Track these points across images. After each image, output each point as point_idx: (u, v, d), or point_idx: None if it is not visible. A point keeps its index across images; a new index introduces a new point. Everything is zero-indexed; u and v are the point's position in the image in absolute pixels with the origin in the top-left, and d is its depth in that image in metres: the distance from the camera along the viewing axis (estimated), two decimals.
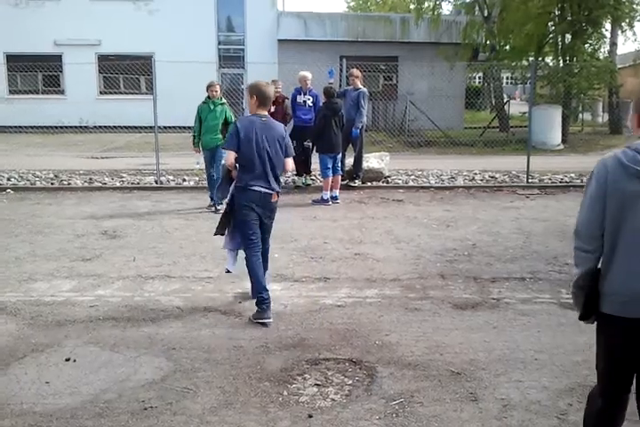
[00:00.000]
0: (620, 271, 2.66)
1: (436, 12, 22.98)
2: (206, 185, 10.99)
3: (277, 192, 5.28)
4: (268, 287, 5.21)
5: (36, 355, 4.41)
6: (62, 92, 23.28)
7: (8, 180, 11.69)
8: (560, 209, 9.59)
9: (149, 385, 3.97)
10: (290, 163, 5.48)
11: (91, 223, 8.50)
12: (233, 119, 9.10)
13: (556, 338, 4.69)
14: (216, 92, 9.21)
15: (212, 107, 9.17)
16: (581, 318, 2.84)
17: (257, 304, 5.10)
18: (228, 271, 5.55)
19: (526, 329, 4.86)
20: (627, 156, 2.61)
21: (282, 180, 5.75)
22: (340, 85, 12.05)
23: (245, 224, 5.20)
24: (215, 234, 5.43)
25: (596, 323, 2.82)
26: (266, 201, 5.21)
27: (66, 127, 20.03)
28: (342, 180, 10.53)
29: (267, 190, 5.18)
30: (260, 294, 5.09)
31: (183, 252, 7.10)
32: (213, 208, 9.09)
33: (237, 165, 5.18)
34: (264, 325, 4.96)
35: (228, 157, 5.19)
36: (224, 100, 9.45)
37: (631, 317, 2.64)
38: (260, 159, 5.13)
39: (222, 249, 5.58)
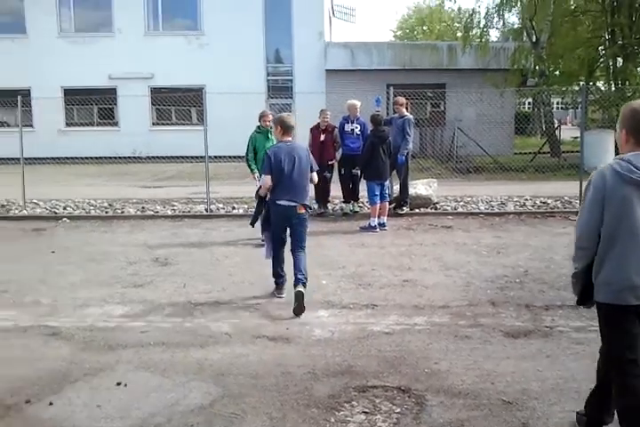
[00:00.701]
0: (615, 263, 3.11)
1: (483, 39, 22.97)
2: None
3: (304, 205, 6.18)
4: (283, 275, 6.44)
5: (88, 379, 4.49)
6: (116, 124, 24.05)
7: (64, 209, 12.07)
8: None
9: (198, 410, 3.99)
10: (315, 176, 6.46)
11: (143, 251, 8.67)
12: None
13: (581, 365, 4.52)
14: (269, 122, 8.84)
15: (269, 136, 8.89)
16: (578, 303, 3.39)
17: (275, 283, 6.47)
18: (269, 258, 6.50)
19: (580, 358, 4.71)
20: (621, 166, 3.09)
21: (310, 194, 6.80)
22: (388, 113, 12.11)
23: (274, 234, 6.35)
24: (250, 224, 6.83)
25: (598, 314, 3.27)
26: (292, 213, 6.12)
27: (119, 158, 20.63)
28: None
29: (291, 203, 6.10)
30: (275, 278, 6.45)
31: (232, 279, 7.17)
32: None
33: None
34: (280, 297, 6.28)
35: (266, 182, 6.14)
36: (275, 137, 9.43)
37: (629, 304, 3.09)
38: (289, 178, 6.08)
39: (265, 258, 6.57)
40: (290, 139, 6.28)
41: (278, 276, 6.43)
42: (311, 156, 6.38)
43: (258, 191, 6.48)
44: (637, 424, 3.13)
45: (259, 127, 9.15)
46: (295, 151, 6.16)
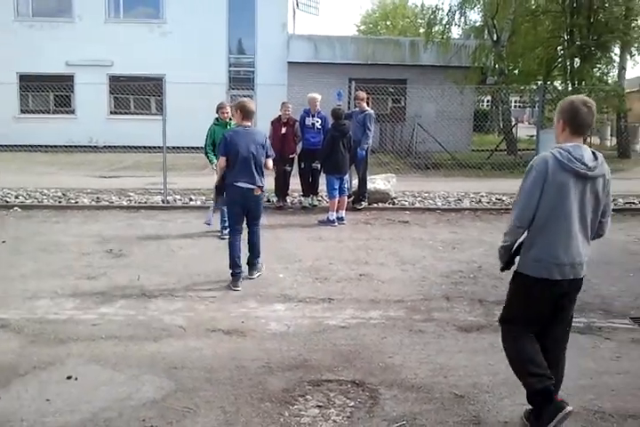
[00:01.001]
0: (545, 241, 3.47)
1: (445, 37, 23.17)
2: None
3: (260, 186, 6.49)
4: (240, 266, 6.56)
5: (37, 372, 4.40)
6: (73, 112, 23.54)
7: (16, 197, 11.77)
8: None
9: (150, 404, 3.94)
10: (270, 162, 6.73)
11: (96, 242, 8.52)
12: None
13: None
14: (227, 113, 8.83)
15: (228, 128, 8.54)
16: (502, 269, 3.78)
17: (231, 275, 6.51)
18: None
19: None
20: (562, 155, 3.41)
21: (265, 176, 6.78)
22: (349, 107, 12.13)
23: (231, 216, 6.67)
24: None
25: (515, 282, 3.69)
26: (249, 193, 6.44)
27: (75, 146, 20.23)
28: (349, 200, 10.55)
29: (249, 185, 6.42)
30: (232, 270, 6.50)
31: (187, 271, 7.10)
32: (225, 233, 8.55)
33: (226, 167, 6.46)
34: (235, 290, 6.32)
35: (220, 162, 6.52)
36: (235, 122, 9.15)
37: (552, 278, 3.46)
38: (244, 161, 6.38)
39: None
40: (249, 124, 6.59)
41: (235, 266, 6.53)
42: (268, 142, 6.73)
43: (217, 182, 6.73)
44: (519, 373, 3.65)
45: (217, 119, 9.00)
46: (252, 136, 6.49)
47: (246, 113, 6.52)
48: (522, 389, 4.11)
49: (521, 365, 3.60)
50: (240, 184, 6.41)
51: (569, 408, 3.39)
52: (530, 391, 3.53)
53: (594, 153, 3.49)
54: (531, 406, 3.61)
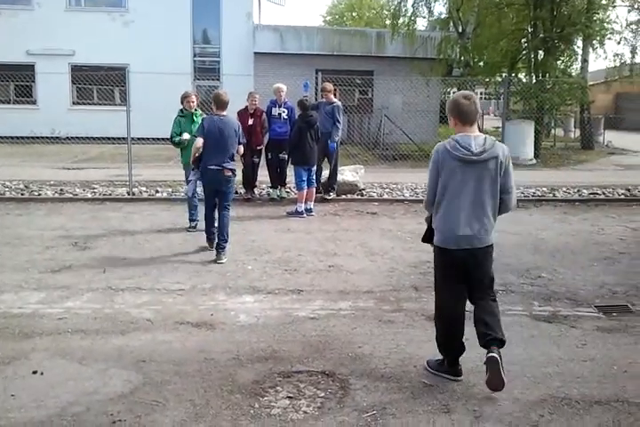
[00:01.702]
0: (442, 217, 4.06)
1: (410, 28, 23.22)
2: (179, 197, 10.90)
3: (230, 169, 7.17)
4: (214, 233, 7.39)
5: (2, 368, 4.31)
6: (34, 102, 23.00)
7: None
8: (532, 222, 9.69)
9: (118, 398, 3.89)
10: (241, 148, 7.64)
11: (61, 235, 8.37)
12: None
13: (528, 350, 4.71)
14: (192, 102, 8.59)
15: (194, 119, 8.51)
16: (422, 240, 4.36)
17: (207, 239, 7.57)
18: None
19: None
20: (450, 144, 3.98)
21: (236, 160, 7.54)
22: (316, 99, 12.08)
23: (206, 196, 7.41)
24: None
25: (434, 251, 4.24)
26: (220, 175, 7.14)
27: (37, 138, 19.79)
28: (317, 192, 10.53)
29: (218, 167, 7.11)
30: (207, 235, 7.52)
31: (154, 264, 7.02)
32: (194, 226, 8.59)
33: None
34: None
35: (198, 142, 7.20)
36: (201, 112, 8.87)
37: (448, 248, 4.06)
38: (216, 146, 7.10)
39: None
40: (224, 113, 7.30)
41: (210, 233, 7.48)
42: (240, 129, 7.43)
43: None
44: (439, 325, 4.34)
45: (182, 111, 8.68)
46: (225, 124, 7.20)
47: (220, 103, 7.25)
48: None
49: (441, 336, 4.33)
50: (212, 167, 7.15)
51: (460, 378, 4.20)
52: (442, 354, 4.30)
53: (485, 139, 3.97)
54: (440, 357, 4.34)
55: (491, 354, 3.97)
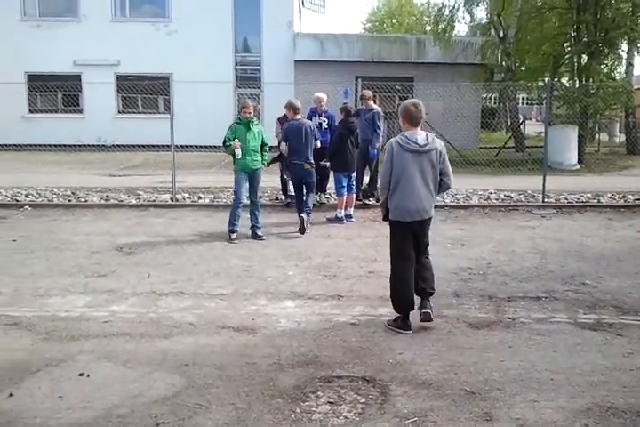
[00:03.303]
0: (399, 197, 5.15)
1: (450, 34, 23.09)
2: (221, 203, 11.01)
3: (310, 163, 9.09)
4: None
5: (50, 369, 4.42)
6: (81, 111, 23.60)
7: (26, 196, 11.83)
8: (576, 229, 9.53)
9: (162, 401, 3.96)
10: (318, 143, 9.37)
11: (106, 240, 8.55)
12: (268, 141, 8.86)
13: (573, 358, 4.63)
14: (250, 112, 8.55)
15: (250, 127, 8.56)
16: (384, 219, 5.40)
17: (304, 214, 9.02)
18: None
19: (542, 349, 4.80)
20: (401, 139, 5.14)
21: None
22: (355, 105, 12.11)
23: (294, 185, 9.44)
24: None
25: (389, 226, 5.33)
26: (303, 168, 9.07)
27: (84, 146, 20.28)
28: (357, 198, 10.54)
29: (301, 162, 9.02)
30: (299, 213, 9.01)
31: (197, 269, 7.12)
32: (234, 238, 8.56)
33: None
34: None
35: (282, 147, 9.27)
36: (257, 121, 8.86)
37: (405, 220, 5.17)
38: (298, 145, 8.99)
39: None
40: (299, 117, 9.21)
41: (301, 211, 9.07)
42: (315, 129, 9.36)
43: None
44: (394, 297, 5.29)
45: (239, 118, 8.73)
46: (303, 125, 9.05)
47: (295, 109, 9.16)
48: (532, 385, 4.17)
49: (393, 291, 5.31)
50: (296, 162, 9.04)
51: (409, 332, 5.14)
52: (398, 310, 5.26)
53: (427, 136, 5.18)
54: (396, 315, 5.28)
55: (425, 310, 5.19)
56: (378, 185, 5.63)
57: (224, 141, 8.63)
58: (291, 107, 9.16)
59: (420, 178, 5.12)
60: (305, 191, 9.25)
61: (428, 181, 5.17)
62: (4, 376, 4.29)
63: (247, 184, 8.70)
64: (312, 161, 9.14)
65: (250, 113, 8.57)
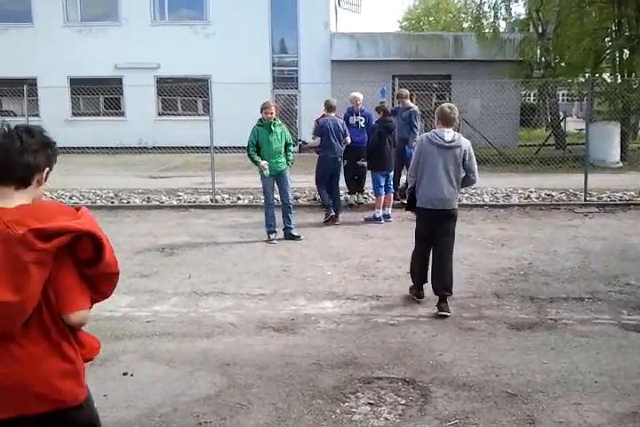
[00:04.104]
0: (423, 186, 5.73)
1: (490, 30, 22.79)
2: (259, 204, 11.08)
3: (340, 156, 9.92)
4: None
5: (94, 369, 4.51)
6: (122, 114, 24.02)
7: (70, 198, 12.10)
8: (620, 227, 9.34)
9: (204, 400, 4.02)
10: (348, 139, 10.09)
11: (148, 241, 8.70)
12: (292, 141, 8.83)
13: (617, 360, 4.55)
14: (271, 113, 8.42)
15: (272, 128, 8.46)
16: (407, 209, 6.19)
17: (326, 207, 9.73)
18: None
19: (585, 351, 4.73)
20: (430, 135, 5.73)
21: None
22: (392, 104, 12.08)
23: (323, 178, 9.94)
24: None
25: (416, 213, 5.98)
26: (336, 161, 9.90)
27: (125, 148, 20.64)
28: (395, 198, 10.50)
29: (336, 156, 9.81)
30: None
31: (237, 269, 7.19)
32: (272, 238, 8.59)
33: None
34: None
35: (316, 141, 10.00)
36: (280, 122, 8.75)
37: (427, 207, 5.76)
38: (331, 139, 9.73)
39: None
40: (333, 114, 10.00)
41: (329, 205, 9.72)
42: (345, 125, 10.04)
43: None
44: (413, 273, 6.05)
45: (261, 120, 8.53)
46: (335, 122, 9.86)
47: (330, 107, 9.98)
48: (575, 387, 4.13)
49: (413, 268, 6.06)
50: (331, 155, 9.77)
51: (422, 299, 5.94)
52: (413, 281, 6.07)
53: (454, 134, 5.72)
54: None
55: (441, 312, 5.56)
56: (407, 174, 6.21)
57: (248, 147, 8.54)
58: (327, 105, 10.00)
59: (442, 170, 5.65)
60: (332, 185, 9.88)
61: (451, 175, 5.68)
62: None
63: (275, 185, 8.70)
64: (341, 154, 10.01)
65: (272, 114, 8.44)
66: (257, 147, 8.49)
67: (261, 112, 8.55)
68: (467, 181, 5.89)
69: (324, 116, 10.89)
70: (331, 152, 9.71)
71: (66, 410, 2.24)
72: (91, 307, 2.27)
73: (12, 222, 2.07)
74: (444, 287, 5.69)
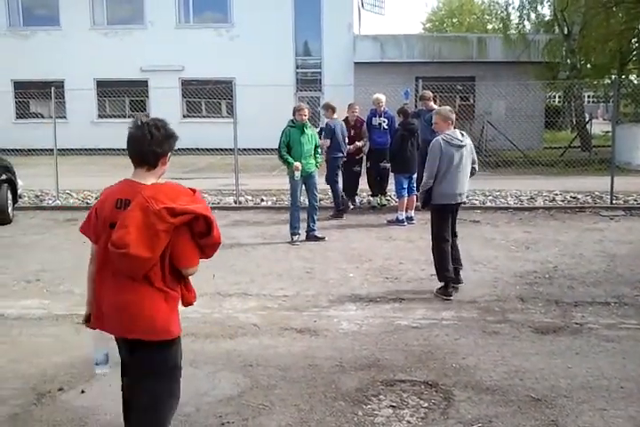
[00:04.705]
0: (446, 184, 6.12)
1: (515, 32, 22.66)
2: (283, 205, 11.11)
3: (345, 156, 10.39)
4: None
5: (119, 368, 4.55)
6: (148, 116, 24.19)
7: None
8: None
9: (227, 400, 4.04)
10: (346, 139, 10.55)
11: None
12: (319, 143, 8.95)
13: None
14: (305, 115, 8.49)
15: (305, 130, 8.54)
16: (422, 206, 6.58)
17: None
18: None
19: (611, 356, 4.67)
20: (446, 137, 6.12)
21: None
22: (416, 106, 12.05)
23: (331, 173, 10.29)
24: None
25: (433, 210, 6.36)
26: (342, 160, 10.34)
27: None
28: (418, 200, 10.46)
29: (343, 155, 10.33)
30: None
31: (260, 270, 7.22)
32: (296, 240, 8.65)
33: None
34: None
35: (326, 142, 10.00)
36: (310, 124, 8.81)
37: (449, 203, 6.22)
38: (340, 140, 10.22)
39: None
40: (336, 116, 10.30)
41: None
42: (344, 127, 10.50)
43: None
44: (439, 268, 6.27)
45: (292, 121, 8.61)
46: (339, 124, 10.36)
47: (333, 109, 10.24)
48: (601, 393, 4.07)
49: (440, 264, 6.25)
50: (340, 155, 10.24)
51: (450, 298, 6.11)
52: (443, 280, 6.22)
53: (462, 133, 6.21)
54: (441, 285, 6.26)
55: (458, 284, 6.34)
56: (425, 176, 6.25)
57: (279, 147, 8.61)
58: (329, 107, 10.25)
59: (463, 167, 6.18)
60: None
61: (467, 170, 6.27)
62: (76, 374, 4.46)
63: (303, 187, 8.74)
64: (344, 154, 10.55)
65: (305, 116, 8.52)
66: (288, 148, 8.54)
67: (294, 114, 8.63)
68: (473, 172, 6.41)
69: (346, 119, 10.92)
70: (337, 152, 10.22)
71: (160, 342, 3.00)
72: (198, 263, 3.05)
73: (151, 198, 2.84)
74: (459, 262, 6.45)
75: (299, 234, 8.68)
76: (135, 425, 3.12)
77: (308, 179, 8.66)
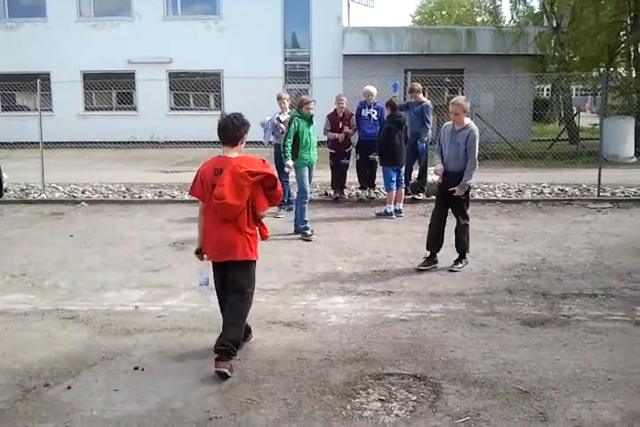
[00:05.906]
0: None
1: (505, 24, 22.66)
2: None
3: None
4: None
5: (105, 363, 4.54)
6: (135, 109, 24.07)
7: (82, 193, 12.16)
8: (633, 223, 9.25)
9: (214, 395, 4.02)
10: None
11: (160, 235, 8.71)
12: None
13: (631, 357, 4.50)
14: (312, 108, 8.58)
15: (312, 121, 8.67)
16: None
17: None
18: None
19: (598, 348, 4.68)
20: (447, 126, 6.92)
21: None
22: (405, 99, 12.02)
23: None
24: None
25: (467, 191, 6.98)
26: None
27: (137, 142, 20.67)
28: (406, 193, 10.46)
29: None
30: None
31: None
32: (312, 233, 8.50)
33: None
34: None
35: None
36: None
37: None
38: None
39: None
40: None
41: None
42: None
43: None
44: (430, 231, 7.08)
45: (299, 112, 8.64)
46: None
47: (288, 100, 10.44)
48: (589, 384, 4.10)
49: (468, 239, 6.98)
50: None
51: (434, 266, 6.92)
52: (427, 248, 7.01)
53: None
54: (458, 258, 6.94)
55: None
56: (475, 162, 6.77)
57: (285, 136, 8.68)
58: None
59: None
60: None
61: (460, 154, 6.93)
62: (62, 369, 4.42)
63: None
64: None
65: (312, 109, 8.60)
66: (295, 140, 8.54)
67: (301, 106, 8.66)
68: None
69: (335, 112, 10.85)
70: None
71: (242, 261, 4.42)
72: (267, 209, 4.52)
73: (236, 165, 4.29)
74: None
75: (308, 228, 8.54)
76: (232, 300, 4.50)
77: (311, 170, 8.82)
